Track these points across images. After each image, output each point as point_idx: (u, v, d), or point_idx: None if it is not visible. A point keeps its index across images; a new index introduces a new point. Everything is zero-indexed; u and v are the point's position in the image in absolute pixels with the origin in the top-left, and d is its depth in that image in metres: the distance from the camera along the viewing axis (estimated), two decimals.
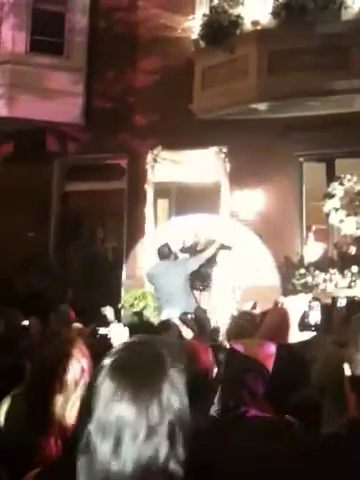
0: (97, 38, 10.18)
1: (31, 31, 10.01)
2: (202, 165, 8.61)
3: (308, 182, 9.06)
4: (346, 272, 7.99)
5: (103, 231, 10.46)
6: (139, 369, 1.24)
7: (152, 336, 1.41)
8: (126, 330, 3.98)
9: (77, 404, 1.98)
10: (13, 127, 9.77)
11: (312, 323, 2.35)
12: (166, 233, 8.48)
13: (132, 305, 8.26)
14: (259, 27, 8.23)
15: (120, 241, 9.95)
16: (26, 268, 9.34)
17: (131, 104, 9.89)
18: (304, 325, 2.34)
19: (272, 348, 2.13)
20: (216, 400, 2.11)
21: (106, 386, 1.23)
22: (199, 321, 5.07)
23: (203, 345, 2.97)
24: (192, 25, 8.95)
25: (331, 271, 8.10)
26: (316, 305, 2.36)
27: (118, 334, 3.82)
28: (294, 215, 8.94)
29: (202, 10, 8.95)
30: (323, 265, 8.35)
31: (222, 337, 5.97)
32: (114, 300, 8.51)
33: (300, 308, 2.35)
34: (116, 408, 1.21)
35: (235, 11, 8.39)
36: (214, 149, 8.41)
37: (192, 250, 8.07)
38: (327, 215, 8.38)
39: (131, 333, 3.82)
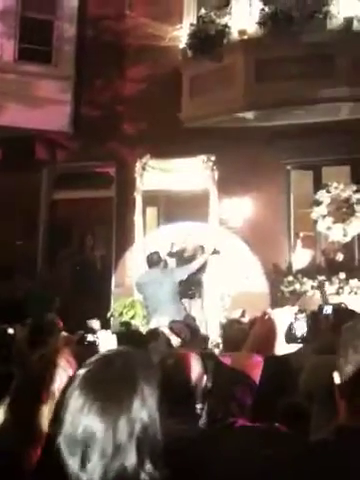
0: (85, 47, 10.20)
1: (19, 39, 10.02)
2: (190, 173, 8.63)
3: (295, 190, 9.13)
4: (334, 279, 8.05)
5: (92, 239, 10.44)
6: (110, 383, 1.21)
7: (128, 349, 1.37)
8: (114, 337, 3.96)
9: None
10: (1, 135, 9.74)
11: (298, 335, 2.37)
12: (155, 241, 8.48)
13: (121, 314, 8.23)
14: (246, 36, 8.31)
15: (109, 249, 9.94)
16: (11, 276, 9.31)
17: (119, 112, 9.91)
18: (290, 337, 2.35)
19: (259, 359, 2.14)
20: (204, 412, 2.11)
21: (75, 398, 1.21)
22: (188, 329, 5.06)
23: (192, 353, 2.97)
24: (180, 34, 9.01)
25: (319, 278, 8.16)
26: (302, 317, 2.38)
27: (106, 341, 3.80)
28: (282, 222, 9.00)
29: (189, 20, 9.02)
30: (311, 272, 8.40)
31: (211, 345, 5.99)
32: (103, 309, 8.49)
33: (286, 320, 2.36)
34: (83, 422, 1.18)
35: (222, 21, 8.47)
36: (202, 157, 8.43)
37: (179, 256, 8.08)
38: (315, 222, 8.45)
39: (119, 342, 3.81)
